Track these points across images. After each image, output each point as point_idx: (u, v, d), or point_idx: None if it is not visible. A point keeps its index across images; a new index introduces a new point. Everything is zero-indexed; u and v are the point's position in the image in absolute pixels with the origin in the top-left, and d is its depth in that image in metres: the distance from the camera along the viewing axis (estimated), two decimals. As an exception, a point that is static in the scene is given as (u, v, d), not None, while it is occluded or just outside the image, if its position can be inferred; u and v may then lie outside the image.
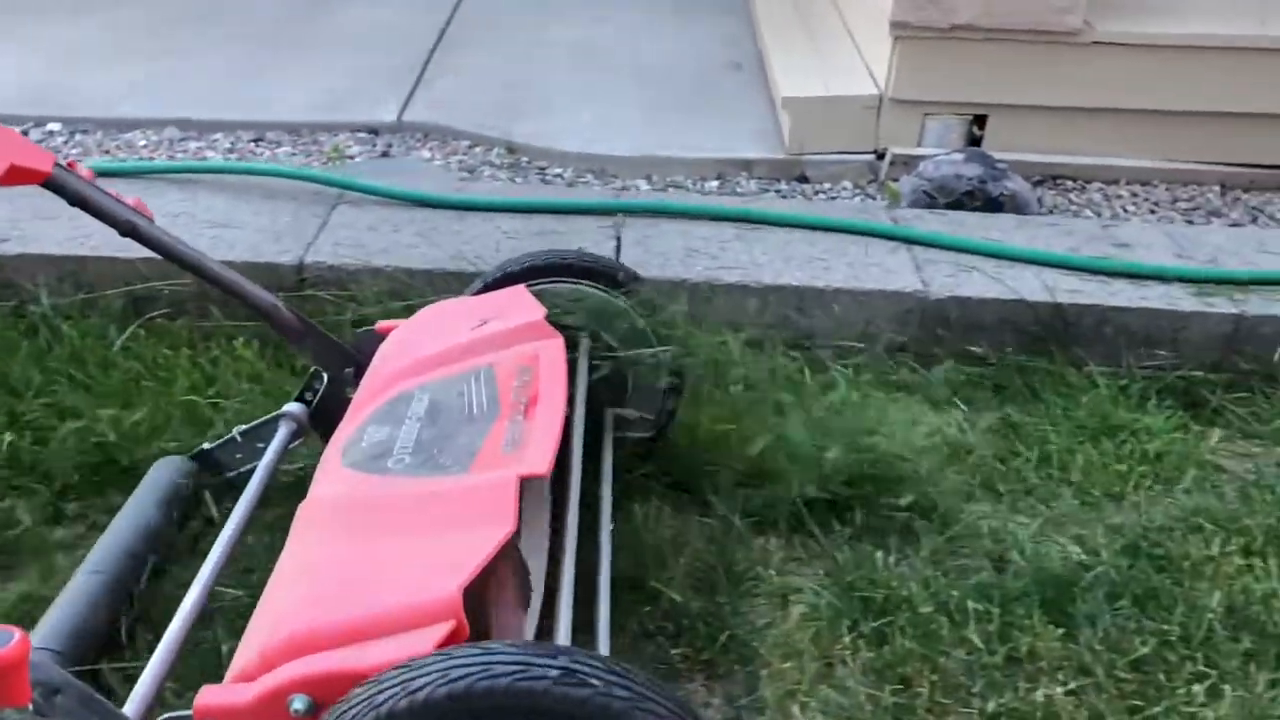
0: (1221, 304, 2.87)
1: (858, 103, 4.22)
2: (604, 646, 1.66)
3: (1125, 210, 4.16)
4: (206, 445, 2.29)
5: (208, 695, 1.35)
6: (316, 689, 1.31)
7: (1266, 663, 2.04)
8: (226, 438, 2.26)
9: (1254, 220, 4.13)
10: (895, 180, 4.03)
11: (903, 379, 2.80)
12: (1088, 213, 4.10)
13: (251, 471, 2.02)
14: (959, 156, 4.08)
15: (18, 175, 1.73)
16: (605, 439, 2.16)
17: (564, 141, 4.19)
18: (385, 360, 2.01)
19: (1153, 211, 4.16)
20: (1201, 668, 2.02)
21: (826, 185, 4.19)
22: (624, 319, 2.19)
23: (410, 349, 2.00)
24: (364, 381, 1.98)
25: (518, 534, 1.51)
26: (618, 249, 2.97)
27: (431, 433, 1.73)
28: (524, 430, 1.70)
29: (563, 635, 1.56)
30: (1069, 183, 4.32)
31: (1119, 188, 4.31)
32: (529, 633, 1.59)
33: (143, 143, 4.16)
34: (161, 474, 2.24)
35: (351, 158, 4.07)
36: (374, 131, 4.30)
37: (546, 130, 4.25)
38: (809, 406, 2.48)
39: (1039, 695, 1.97)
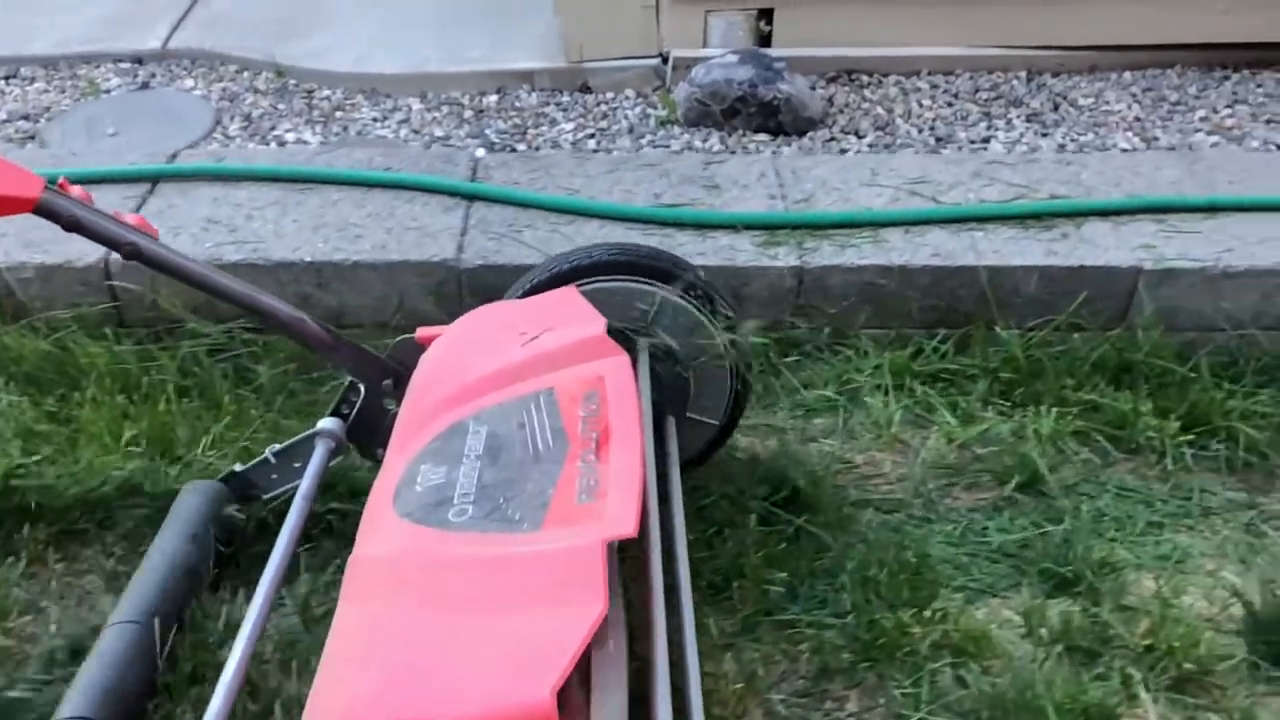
0: (785, 255, 2.56)
1: (635, 2, 3.97)
2: None
3: (921, 104, 3.84)
4: (238, 467, 2.12)
5: None
6: None
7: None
8: (260, 459, 2.10)
9: (1055, 108, 3.75)
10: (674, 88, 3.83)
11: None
12: (879, 110, 3.78)
13: (289, 493, 1.91)
14: (733, 58, 3.84)
15: (2, 205, 1.60)
16: (669, 450, 1.96)
17: (334, 61, 4.03)
18: (430, 379, 1.82)
19: (950, 104, 3.87)
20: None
21: (610, 95, 3.99)
22: (685, 317, 2.02)
23: (457, 367, 1.81)
24: (408, 401, 1.80)
25: None
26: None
27: (494, 475, 1.56)
28: (598, 474, 1.53)
29: None
30: (865, 78, 4.04)
31: (919, 79, 4.02)
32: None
33: (-121, 84, 4.01)
34: (191, 501, 2.06)
35: (108, 92, 3.94)
36: (139, 61, 4.15)
37: (318, 49, 4.10)
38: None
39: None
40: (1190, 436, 2.33)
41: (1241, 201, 2.61)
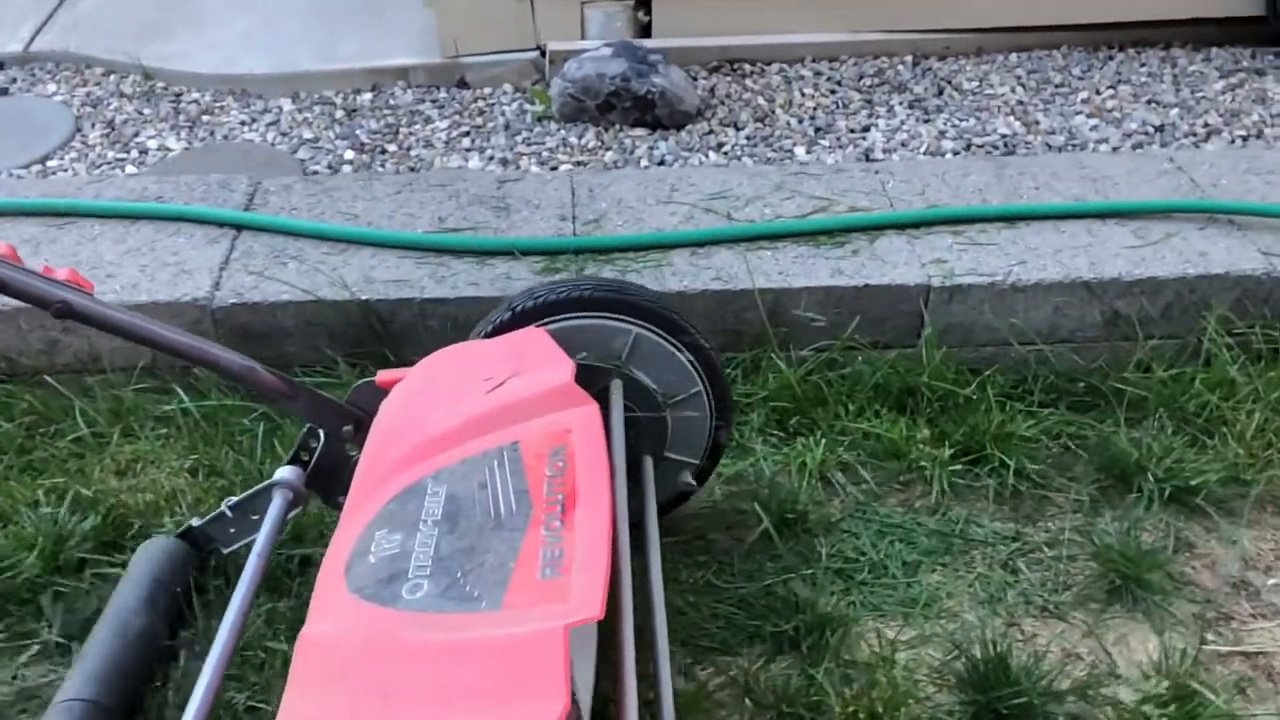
0: (561, 284, 2.44)
1: (506, -7, 3.83)
2: None
3: (804, 93, 3.72)
4: (195, 522, 2.03)
5: None
6: None
7: None
8: (215, 513, 2.01)
9: (940, 93, 3.61)
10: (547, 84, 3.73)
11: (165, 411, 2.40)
12: (760, 100, 3.65)
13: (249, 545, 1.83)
14: (606, 51, 3.73)
15: None
16: (646, 497, 1.87)
17: (202, 62, 3.95)
18: (388, 430, 1.71)
19: (833, 92, 3.74)
20: None
21: (488, 90, 3.88)
22: (659, 354, 1.93)
23: (417, 417, 1.70)
24: (365, 454, 1.68)
25: None
26: None
27: (452, 544, 1.45)
28: (563, 543, 1.43)
29: None
30: (747, 67, 3.92)
31: (802, 67, 3.90)
32: None
33: None
34: (146, 561, 1.97)
35: (-33, 100, 3.87)
36: (-1, 64, 4.05)
37: (187, 50, 4.01)
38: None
39: None
40: (961, 465, 2.21)
41: (1035, 210, 2.48)
